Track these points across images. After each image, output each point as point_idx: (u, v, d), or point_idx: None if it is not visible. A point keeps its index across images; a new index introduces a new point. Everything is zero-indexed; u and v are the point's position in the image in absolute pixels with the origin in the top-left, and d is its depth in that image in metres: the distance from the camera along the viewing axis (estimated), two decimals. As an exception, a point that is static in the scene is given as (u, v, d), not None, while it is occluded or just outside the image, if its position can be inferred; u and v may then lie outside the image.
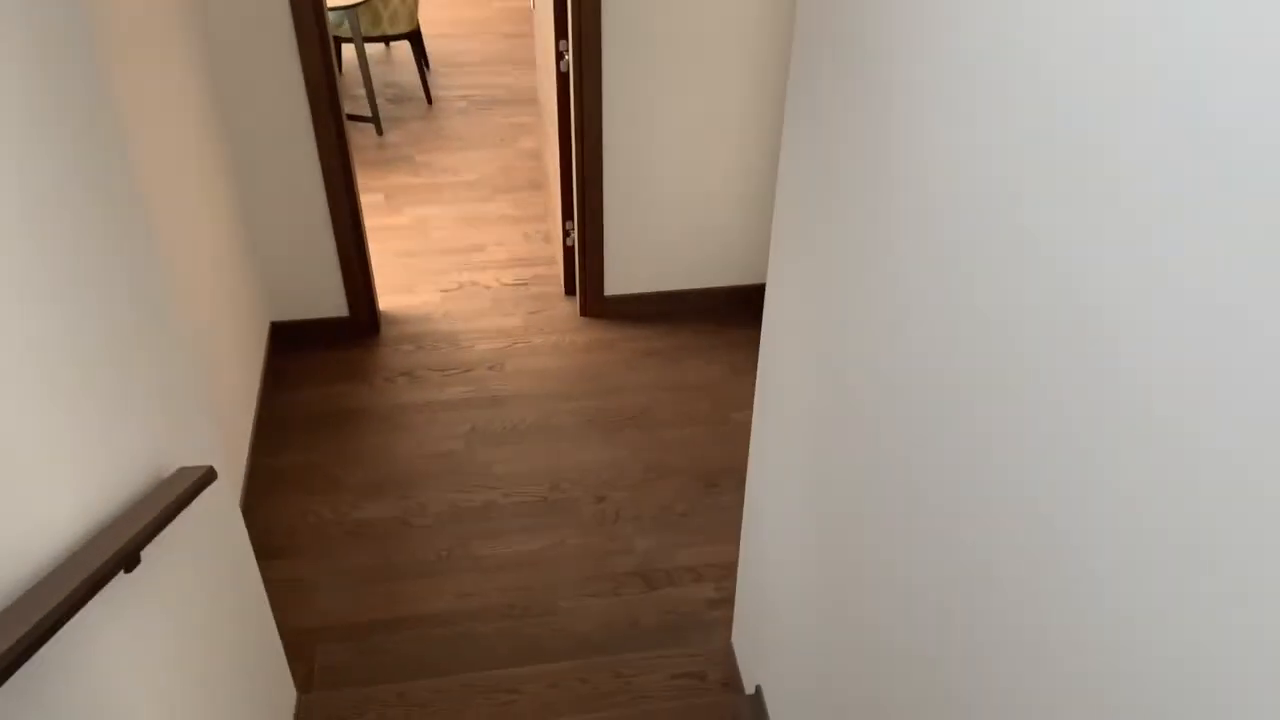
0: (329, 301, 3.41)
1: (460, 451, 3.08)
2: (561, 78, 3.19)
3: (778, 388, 1.85)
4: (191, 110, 2.67)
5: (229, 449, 2.75)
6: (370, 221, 4.09)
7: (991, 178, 0.96)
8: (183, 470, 1.39)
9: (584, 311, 3.61)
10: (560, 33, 3.12)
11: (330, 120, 3.03)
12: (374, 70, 5.21)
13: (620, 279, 3.55)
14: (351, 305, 3.42)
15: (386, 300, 3.67)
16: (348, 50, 5.28)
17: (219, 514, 1.64)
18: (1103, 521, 0.82)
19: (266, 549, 2.76)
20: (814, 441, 1.63)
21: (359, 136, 4.66)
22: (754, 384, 3.27)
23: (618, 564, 2.75)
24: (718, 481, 2.99)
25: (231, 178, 3.06)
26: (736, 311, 3.65)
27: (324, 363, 3.39)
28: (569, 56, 3.11)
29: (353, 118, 4.69)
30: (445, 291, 3.72)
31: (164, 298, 1.45)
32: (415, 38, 4.76)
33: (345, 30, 4.56)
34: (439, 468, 3.02)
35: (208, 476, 1.38)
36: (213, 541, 1.61)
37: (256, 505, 2.88)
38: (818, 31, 1.43)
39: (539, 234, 4.05)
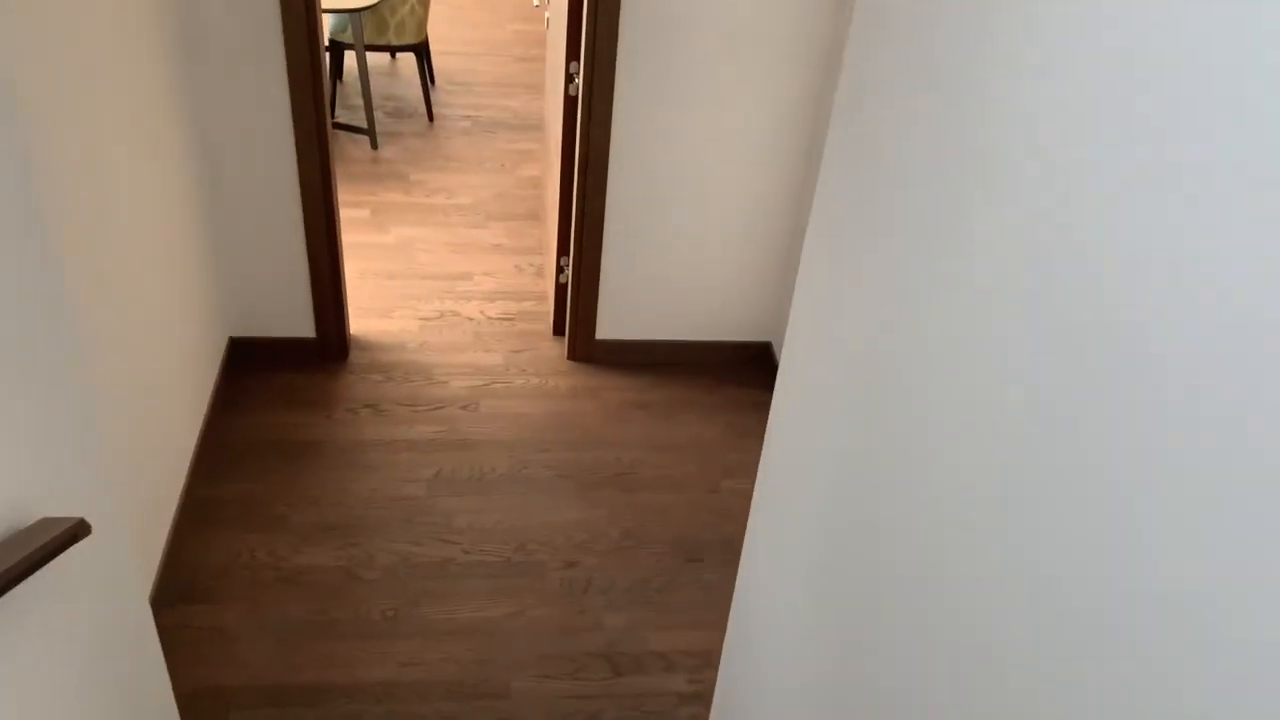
0: (295, 320, 3.16)
1: (420, 498, 2.80)
2: (569, 102, 2.97)
3: (787, 465, 1.59)
4: (150, 95, 2.43)
5: (163, 472, 2.48)
6: (352, 237, 3.85)
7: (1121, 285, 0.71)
8: (45, 522, 1.12)
9: (572, 354, 3.36)
10: (572, 53, 2.90)
11: (313, 123, 2.80)
12: (375, 81, 5.00)
13: (614, 323, 3.30)
14: (320, 326, 3.17)
15: (359, 323, 3.41)
16: (350, 58, 5.08)
17: (101, 569, 1.37)
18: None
19: (190, 591, 2.48)
20: (825, 535, 1.37)
21: (352, 148, 4.43)
22: (750, 449, 3.00)
23: (583, 642, 2.46)
24: (701, 555, 2.72)
25: (195, 174, 2.81)
26: (737, 369, 3.40)
27: (283, 386, 3.13)
28: (579, 80, 2.89)
29: (347, 128, 4.47)
30: (424, 320, 3.47)
31: (52, 307, 1.19)
32: (422, 51, 4.56)
33: (348, 36, 4.35)
34: (395, 514, 2.74)
35: (76, 531, 1.11)
36: (90, 602, 1.34)
37: (186, 539, 2.60)
38: (879, 68, 1.19)
39: (531, 267, 3.81)
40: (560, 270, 3.32)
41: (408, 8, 4.40)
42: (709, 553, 2.73)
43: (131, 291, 2.27)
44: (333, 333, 3.18)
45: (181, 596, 2.46)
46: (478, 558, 2.65)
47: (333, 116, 4.55)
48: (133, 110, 2.29)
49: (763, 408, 3.24)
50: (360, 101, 4.77)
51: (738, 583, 1.88)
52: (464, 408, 3.12)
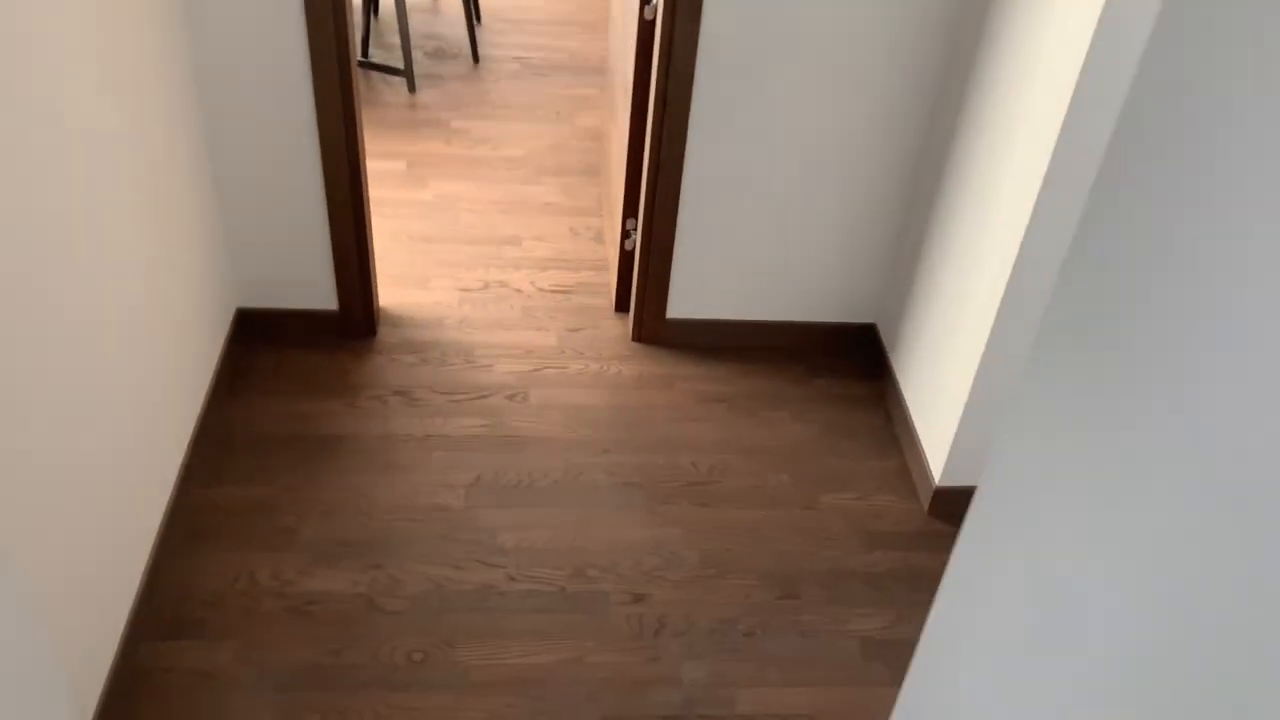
0: (314, 289, 2.71)
1: (457, 509, 2.35)
2: (644, 28, 2.46)
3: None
4: (131, 11, 1.97)
5: (149, 470, 2.05)
6: (384, 193, 3.39)
7: None
8: None
9: (637, 335, 2.87)
10: (649, -33, 2.39)
11: (333, 57, 2.32)
12: (415, 19, 4.52)
13: (688, 298, 2.81)
14: (342, 297, 2.71)
15: (390, 294, 2.95)
16: (388, -7, 4.60)
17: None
18: None
19: (176, 623, 2.05)
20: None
21: (387, 92, 3.96)
22: (854, 455, 2.51)
23: (654, 700, 2.01)
24: (798, 590, 2.24)
25: (189, 112, 2.36)
26: (835, 356, 2.90)
27: (298, 367, 2.68)
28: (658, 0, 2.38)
29: (381, 68, 4.00)
30: (466, 291, 3.00)
31: None
32: (467, -18, 4.06)
33: (384, -37, 3.86)
34: (426, 529, 2.29)
35: None
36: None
37: (174, 555, 2.17)
38: None
39: (589, 231, 3.33)
40: (626, 235, 2.83)
41: (452, -70, 3.90)
42: (807, 587, 2.25)
43: (108, 250, 1.83)
44: (357, 305, 2.73)
45: (165, 630, 2.04)
46: (526, 585, 2.19)
47: (365, 56, 4.08)
48: (104, 26, 1.83)
49: (866, 403, 2.74)
50: (396, 40, 4.30)
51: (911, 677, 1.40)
52: (510, 397, 2.66)
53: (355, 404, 2.59)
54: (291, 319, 2.74)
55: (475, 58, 4.24)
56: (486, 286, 3.03)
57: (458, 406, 2.61)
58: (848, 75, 2.43)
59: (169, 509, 2.18)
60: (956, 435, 2.32)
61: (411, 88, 3.97)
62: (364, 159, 2.58)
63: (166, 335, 2.18)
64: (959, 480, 2.41)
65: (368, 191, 2.64)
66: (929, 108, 2.50)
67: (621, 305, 2.99)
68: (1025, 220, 2.02)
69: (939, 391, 2.43)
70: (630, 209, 2.80)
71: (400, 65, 4.05)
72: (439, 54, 4.28)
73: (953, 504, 2.44)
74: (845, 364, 2.88)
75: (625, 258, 2.89)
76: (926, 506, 2.46)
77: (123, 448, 1.95)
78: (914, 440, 2.55)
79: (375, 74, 4.06)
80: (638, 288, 2.79)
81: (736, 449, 2.58)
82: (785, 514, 2.42)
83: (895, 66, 2.43)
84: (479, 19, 4.55)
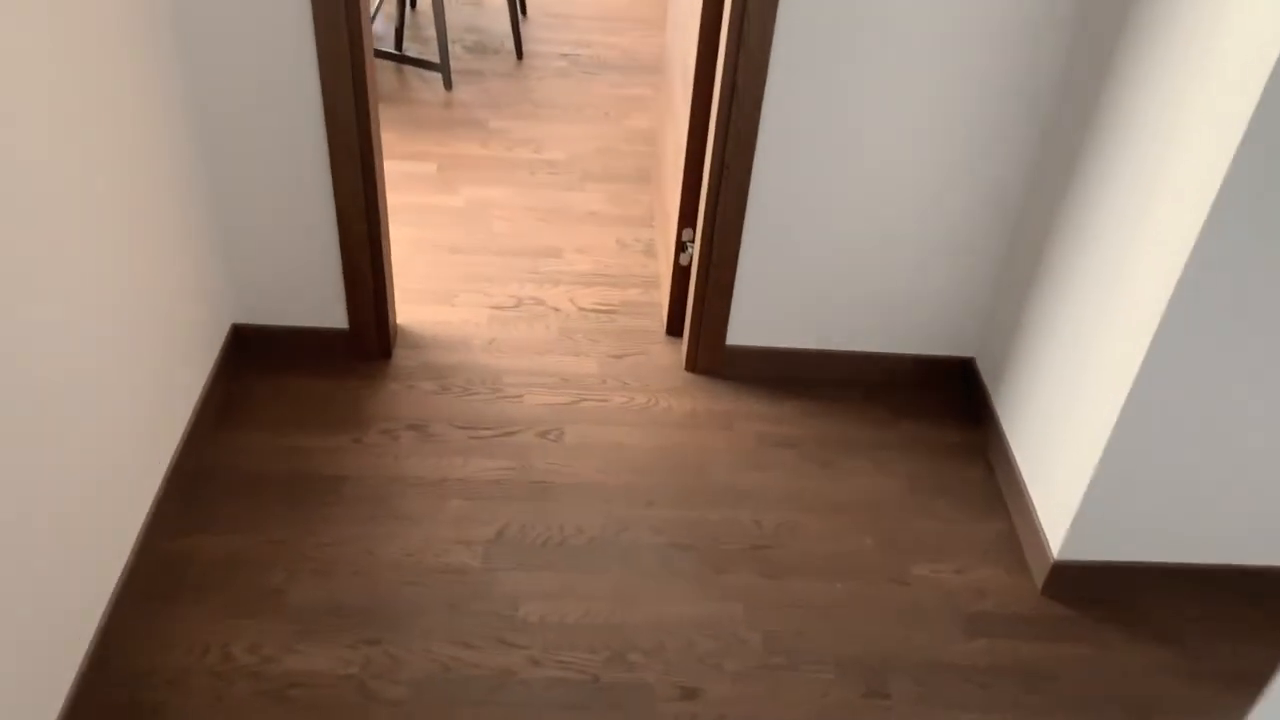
0: (321, 305, 2.37)
1: (474, 571, 1.98)
2: (712, 6, 2.10)
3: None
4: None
5: (109, 513, 1.70)
6: (410, 197, 3.05)
7: None
8: None
9: (692, 364, 2.50)
10: (718, -70, 2.03)
11: (342, 39, 1.98)
12: (456, 12, 4.20)
13: (752, 323, 2.43)
14: (353, 314, 2.37)
15: (410, 311, 2.61)
16: (428, -16, 4.29)
17: None
18: None
19: (128, 708, 1.70)
20: None
21: (421, 89, 3.64)
22: (949, 517, 2.11)
23: (708, 830, 1.61)
24: (887, 687, 1.84)
25: (176, 99, 2.03)
26: (926, 394, 2.50)
27: (299, 393, 2.34)
28: (727, -31, 2.01)
29: (416, 62, 3.68)
30: (496, 309, 2.65)
31: None
32: (511, -30, 3.73)
33: (420, -53, 3.54)
34: (436, 594, 1.93)
35: None
36: None
37: (131, 619, 1.83)
38: None
39: (639, 244, 2.96)
40: (681, 248, 2.46)
41: (495, -89, 3.58)
42: (898, 681, 1.85)
43: (75, 253, 1.50)
44: (370, 323, 2.38)
45: (112, 717, 1.69)
46: (552, 672, 1.82)
47: (399, 49, 3.77)
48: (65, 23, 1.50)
49: (963, 452, 2.33)
50: (432, 33, 3.98)
51: None
52: (543, 435, 2.29)
53: (362, 439, 2.24)
54: (295, 338, 2.40)
55: (519, 53, 3.90)
56: (519, 304, 2.67)
57: (480, 444, 2.25)
58: (950, 69, 2.04)
59: (130, 563, 1.84)
60: (1085, 499, 1.91)
61: (448, 84, 3.65)
62: (378, 159, 2.23)
63: (143, 348, 1.85)
64: (1085, 554, 1.99)
65: (384, 195, 2.30)
66: (1050, 106, 2.10)
67: (674, 329, 2.61)
68: (1188, 246, 1.61)
69: (1058, 442, 2.02)
70: (687, 218, 2.42)
71: (436, 60, 3.73)
72: (479, 49, 3.96)
73: (1076, 583, 2.02)
74: (937, 405, 2.47)
75: (680, 274, 2.51)
76: (1040, 584, 2.04)
77: (78, 481, 1.61)
78: (1024, 500, 2.14)
79: (409, 69, 3.74)
80: (693, 309, 2.41)
81: (808, 505, 2.18)
82: (868, 588, 2.02)
83: (1008, 58, 2.03)
84: (524, 13, 4.22)
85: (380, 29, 3.99)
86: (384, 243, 2.31)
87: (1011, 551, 2.12)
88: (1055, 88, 2.08)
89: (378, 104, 2.14)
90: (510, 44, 4.00)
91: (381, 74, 3.70)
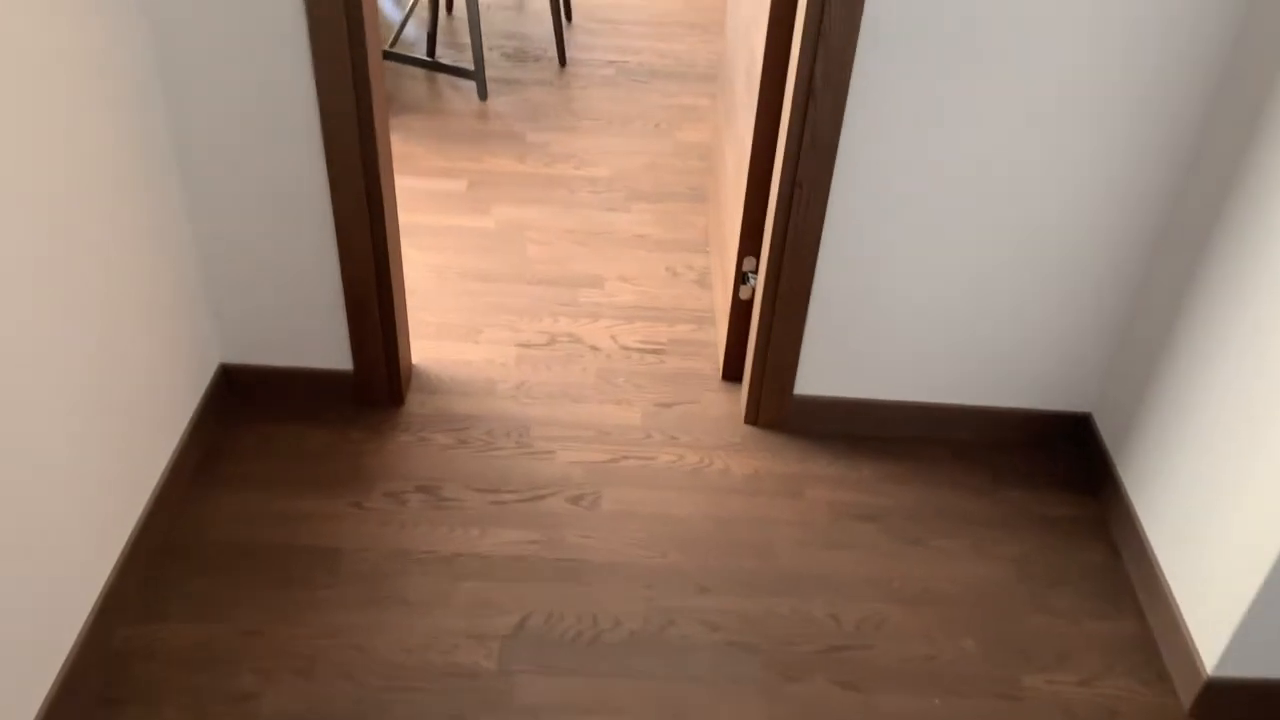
0: (321, 342, 2.06)
1: (487, 675, 1.64)
2: (781, 6, 1.76)
3: None
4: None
5: (55, 595, 1.39)
6: (434, 218, 2.74)
7: None
8: None
9: (753, 416, 2.15)
10: (794, -102, 1.69)
11: (339, 32, 1.67)
12: (496, 16, 3.91)
13: (825, 369, 2.07)
14: (358, 354, 2.06)
15: (427, 348, 2.29)
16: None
17: None
18: None
19: None
20: None
21: (455, 98, 3.34)
22: (1070, 613, 1.73)
23: None
24: (1001, 844, 1.46)
25: (154, 109, 1.73)
26: (1033, 457, 2.12)
27: (293, 447, 2.03)
28: (804, -56, 1.67)
29: (450, 70, 3.39)
30: (526, 346, 2.32)
31: None
32: (554, -31, 3.43)
33: (455, -57, 3.25)
34: (440, 706, 1.59)
35: None
36: None
37: (70, 737, 1.51)
38: None
39: (692, 272, 2.62)
40: (742, 279, 2.11)
41: (537, -97, 3.28)
42: (1016, 838, 1.47)
43: (33, 279, 1.20)
44: (379, 364, 2.07)
45: None
46: (579, 811, 1.47)
47: (432, 55, 3.48)
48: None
49: (1081, 529, 1.95)
50: (468, 39, 3.68)
51: None
52: (575, 500, 1.95)
53: (364, 503, 1.92)
54: (291, 380, 2.10)
55: (562, 60, 3.60)
56: (553, 341, 2.34)
57: (502, 512, 1.92)
58: (1077, 79, 1.67)
59: (71, 659, 1.52)
60: (1255, 602, 1.52)
61: (483, 94, 3.35)
62: (386, 177, 1.92)
63: (112, 393, 1.54)
64: (1252, 669, 1.60)
65: (393, 217, 1.98)
66: (1193, 133, 1.72)
67: (732, 373, 2.26)
68: None
69: (1211, 524, 1.63)
70: (750, 244, 2.08)
71: (470, 67, 3.44)
72: (520, 56, 3.66)
73: (1236, 705, 1.63)
74: (1046, 469, 2.09)
75: (740, 309, 2.17)
76: (1188, 703, 1.65)
77: (5, 563, 1.30)
78: (1163, 594, 1.75)
79: (442, 77, 3.45)
80: (756, 351, 2.06)
81: (895, 595, 1.82)
82: (972, 703, 1.64)
83: (1146, 76, 1.66)
84: (570, 18, 3.92)
85: (412, 34, 3.71)
86: (393, 272, 1.99)
87: (1147, 659, 1.74)
88: (1201, 111, 1.70)
89: (386, 114, 1.84)
90: (553, 51, 3.70)
91: (411, 83, 3.42)
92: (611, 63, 3.65)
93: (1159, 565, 1.79)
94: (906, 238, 1.88)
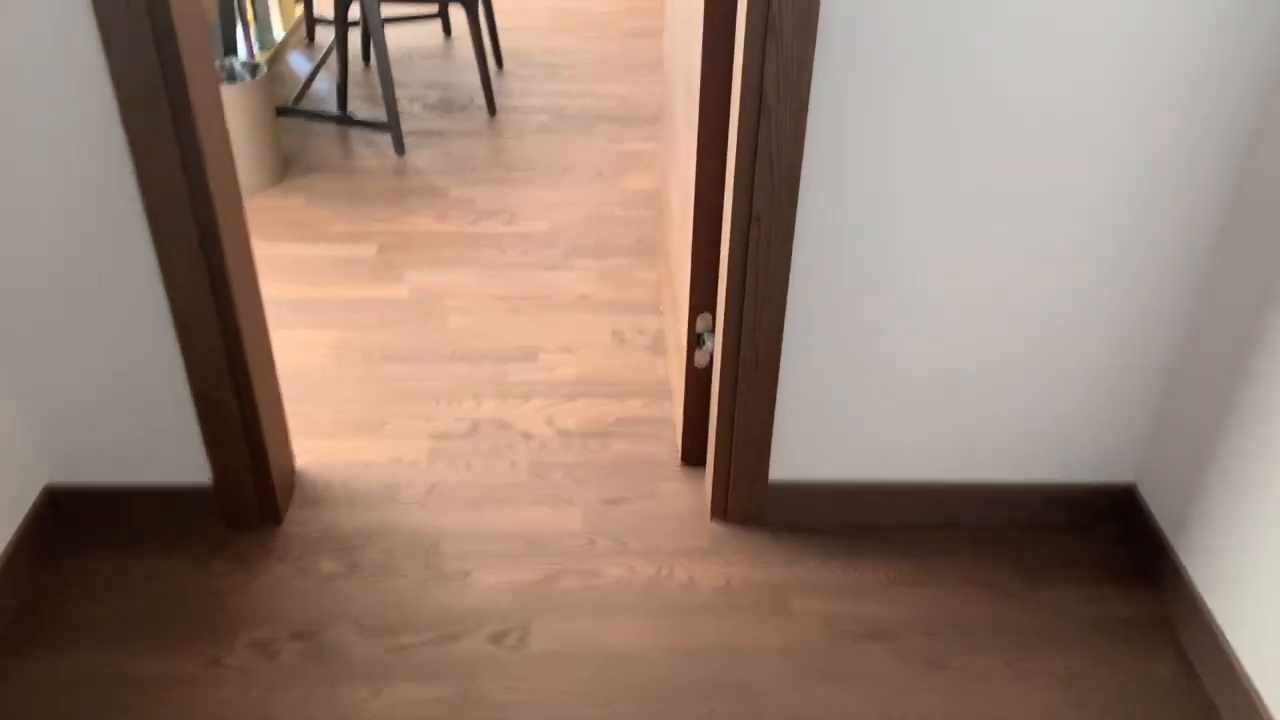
0: (171, 453, 1.65)
1: None
2: (715, 18, 1.41)
3: None
4: None
5: None
6: (337, 290, 2.36)
7: None
8: None
9: (720, 510, 1.75)
10: None
11: (149, 61, 1.30)
12: (422, 65, 3.58)
13: (805, 448, 1.68)
14: (218, 464, 1.65)
15: (316, 449, 1.89)
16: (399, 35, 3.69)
17: None
18: None
19: None
20: None
21: (368, 155, 2.98)
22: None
23: None
24: None
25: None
26: (1064, 541, 1.73)
27: (135, 585, 1.61)
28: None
29: (362, 124, 3.03)
30: (441, 438, 1.92)
31: None
32: (472, 2, 3.09)
33: (361, -17, 2.90)
34: None
35: None
36: None
37: None
38: None
39: (643, 337, 2.24)
40: (699, 341, 1.73)
41: (450, -67, 2.96)
42: None
43: None
44: (245, 475, 1.66)
45: None
46: None
47: (344, 110, 3.13)
48: None
49: (1137, 632, 1.55)
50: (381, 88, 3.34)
51: None
52: (498, 639, 1.54)
53: (223, 659, 1.50)
54: (137, 501, 1.68)
55: (491, 108, 3.25)
56: (475, 430, 1.94)
57: (401, 661, 1.50)
58: (1109, 89, 1.32)
59: None
60: None
61: (399, 148, 2.99)
62: (232, 242, 1.54)
63: None
64: None
65: (252, 292, 1.60)
66: (1239, 154, 1.37)
67: (694, 457, 1.87)
68: None
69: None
70: (704, 299, 1.70)
71: (384, 118, 3.08)
72: (444, 105, 3.31)
73: None
74: (1083, 557, 1.70)
75: (697, 378, 1.78)
76: None
77: None
78: (1255, 712, 1.35)
79: (356, 133, 3.10)
80: (719, 428, 1.67)
81: (916, 743, 1.41)
82: None
83: (1191, 104, 1.31)
84: (501, 64, 3.59)
85: (322, 89, 3.37)
86: (252, 362, 1.59)
87: (1256, 813, 1.33)
88: (1248, 124, 1.35)
89: (234, 168, 1.49)
90: (481, 98, 3.35)
91: (320, 140, 3.06)
92: (547, 109, 3.31)
93: (1247, 678, 1.39)
94: (898, 278, 1.51)
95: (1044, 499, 1.73)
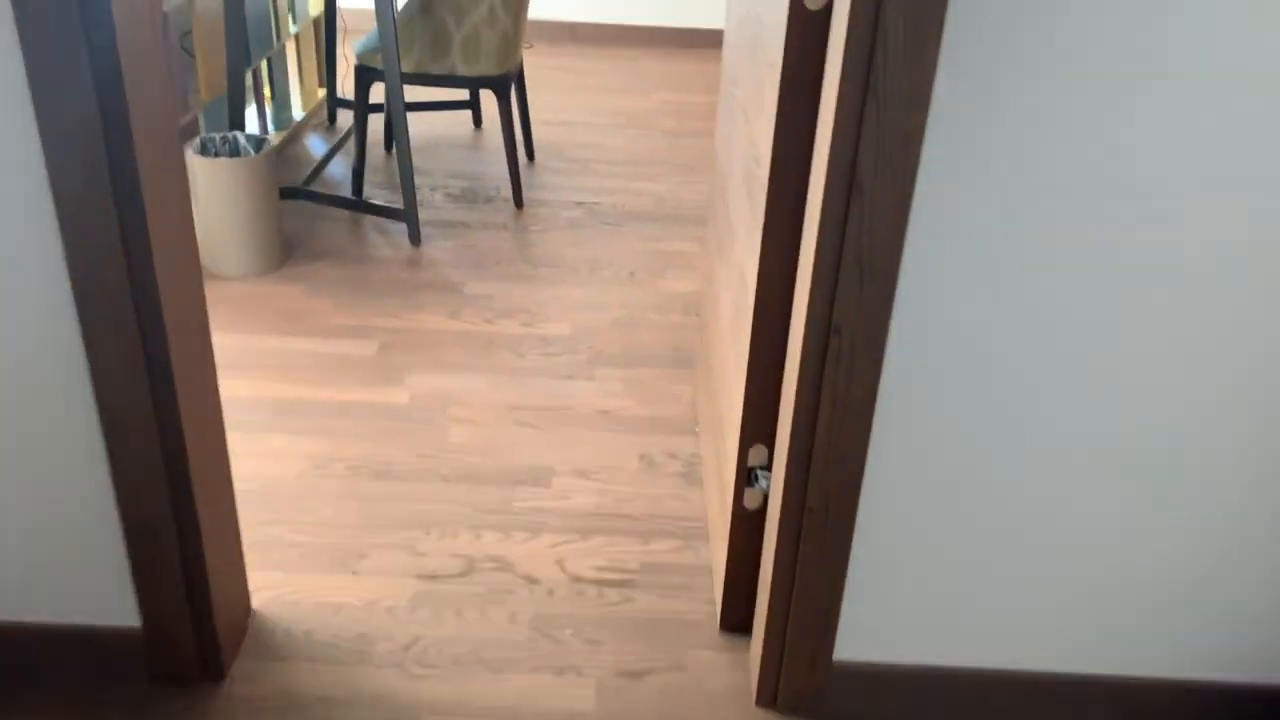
0: (94, 590, 1.34)
1: None
2: (801, 32, 1.14)
3: None
4: None
5: None
6: (327, 392, 2.07)
7: None
8: None
9: (769, 693, 1.41)
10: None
11: (95, 134, 1.04)
12: (449, 155, 3.37)
13: (880, 624, 1.35)
14: (149, 605, 1.33)
15: (279, 583, 1.57)
16: (418, 120, 3.50)
17: None
18: None
19: None
20: None
21: (381, 244, 2.73)
22: None
23: None
24: None
25: None
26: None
27: (27, 762, 1.28)
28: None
29: (378, 210, 2.80)
30: (428, 578, 1.60)
31: None
32: (504, 89, 2.88)
33: (381, 60, 2.70)
34: None
35: None
36: None
37: None
38: None
39: (675, 463, 1.93)
40: (750, 479, 1.42)
41: (484, 11, 2.77)
42: None
43: None
44: (181, 618, 1.34)
45: None
46: None
47: (359, 194, 2.90)
48: None
49: None
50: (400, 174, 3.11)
51: None
52: None
53: None
54: (48, 646, 1.36)
55: (518, 202, 3.02)
56: (470, 570, 1.62)
57: None
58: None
59: None
60: None
61: (415, 238, 2.74)
62: (177, 330, 1.26)
63: None
64: None
65: (208, 393, 1.31)
66: None
67: (736, 620, 1.54)
68: None
69: None
70: (759, 426, 1.40)
71: (400, 205, 2.85)
72: (468, 196, 3.08)
73: None
74: (1240, 781, 1.34)
75: (747, 522, 1.46)
76: None
77: None
78: None
79: (370, 220, 2.86)
80: (773, 591, 1.34)
81: None
82: None
83: None
84: (532, 157, 3.37)
85: (338, 173, 3.15)
86: (197, 480, 1.29)
87: None
88: None
89: (193, 246, 1.23)
90: (508, 190, 3.12)
91: (331, 225, 2.82)
92: (579, 204, 3.07)
93: None
94: (1019, 418, 1.20)
95: (1182, 699, 1.38)
